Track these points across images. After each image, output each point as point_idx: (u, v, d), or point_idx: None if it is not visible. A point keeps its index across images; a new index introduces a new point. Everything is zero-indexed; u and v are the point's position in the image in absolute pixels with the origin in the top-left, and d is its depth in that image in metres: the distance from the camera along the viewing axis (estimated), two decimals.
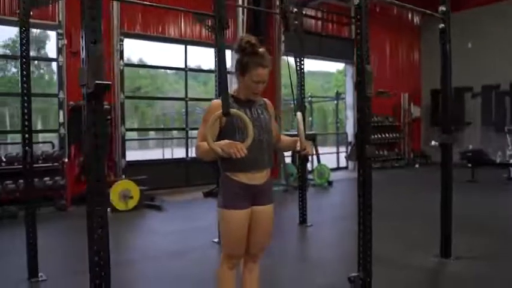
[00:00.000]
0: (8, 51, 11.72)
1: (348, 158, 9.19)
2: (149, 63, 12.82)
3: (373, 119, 11.70)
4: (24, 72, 3.50)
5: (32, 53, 10.06)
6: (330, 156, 11.32)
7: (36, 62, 11.64)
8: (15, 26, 7.22)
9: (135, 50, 8.78)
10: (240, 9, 9.25)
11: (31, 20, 6.73)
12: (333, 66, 14.55)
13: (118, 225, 5.66)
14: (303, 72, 5.28)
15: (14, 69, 13.66)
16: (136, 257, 4.29)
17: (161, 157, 13.12)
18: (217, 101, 2.38)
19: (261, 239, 2.52)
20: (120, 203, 6.23)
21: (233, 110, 2.23)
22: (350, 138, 11.77)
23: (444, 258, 3.83)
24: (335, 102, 12.42)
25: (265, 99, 2.61)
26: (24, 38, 3.50)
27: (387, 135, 12.01)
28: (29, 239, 3.51)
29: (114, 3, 7.63)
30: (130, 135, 9.59)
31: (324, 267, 3.84)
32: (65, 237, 5.27)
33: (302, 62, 5.29)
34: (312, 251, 4.56)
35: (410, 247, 4.27)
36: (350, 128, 11.81)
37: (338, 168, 11.57)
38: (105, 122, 1.91)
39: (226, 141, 2.18)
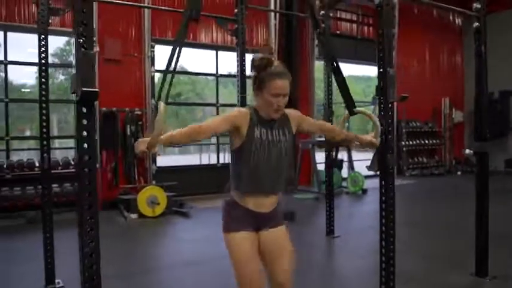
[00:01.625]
0: (56, 60, 12.15)
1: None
2: (189, 69, 12.98)
3: (412, 125, 11.30)
4: (43, 80, 3.51)
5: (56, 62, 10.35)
6: (367, 163, 10.97)
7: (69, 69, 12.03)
8: (61, 35, 7.50)
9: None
10: (272, 14, 9.15)
11: (66, 29, 6.94)
12: (374, 70, 14.21)
13: (142, 231, 5.66)
14: (330, 77, 5.07)
15: (62, 77, 14.18)
16: (156, 264, 4.23)
17: (198, 162, 13.19)
18: (246, 112, 2.23)
19: (281, 263, 2.29)
20: (147, 209, 6.22)
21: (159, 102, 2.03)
22: None
23: (479, 277, 3.52)
24: (372, 107, 12.05)
25: (288, 110, 2.44)
26: (43, 46, 3.52)
27: (426, 141, 11.53)
28: (46, 245, 3.50)
29: (145, 9, 7.71)
30: None
31: (345, 283, 3.63)
32: None
33: (333, 65, 5.07)
34: (334, 264, 4.35)
35: (443, 263, 3.98)
36: None
37: (376, 175, 11.19)
38: (94, 130, 1.81)
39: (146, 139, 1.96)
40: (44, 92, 3.51)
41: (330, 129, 2.61)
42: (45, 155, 3.49)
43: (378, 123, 2.69)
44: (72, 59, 7.34)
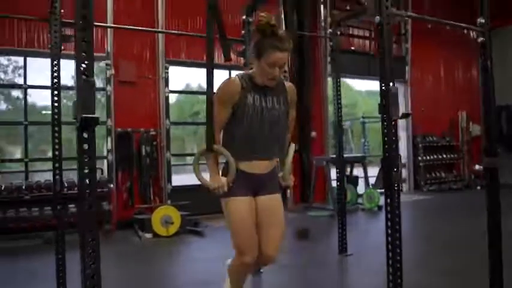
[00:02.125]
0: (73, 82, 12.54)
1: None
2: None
3: (428, 139, 11.18)
4: (56, 104, 3.63)
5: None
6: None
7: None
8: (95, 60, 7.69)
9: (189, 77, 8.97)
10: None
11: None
12: None
13: (156, 250, 5.69)
14: (340, 94, 5.09)
15: None
16: (169, 284, 4.26)
17: None
18: (235, 82, 2.27)
19: (271, 233, 2.36)
20: (161, 228, 6.27)
21: (216, 147, 2.21)
22: (404, 159, 11.27)
23: None
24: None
25: (289, 83, 2.50)
26: (56, 71, 3.64)
27: (444, 155, 11.37)
28: (59, 266, 3.57)
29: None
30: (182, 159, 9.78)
31: None
32: (104, 262, 5.33)
33: (338, 83, 5.11)
34: (344, 282, 4.30)
35: (458, 279, 3.89)
36: (403, 150, 11.31)
37: None
38: (95, 154, 1.88)
39: (214, 179, 2.25)
40: (56, 116, 3.62)
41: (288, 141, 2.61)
42: (57, 177, 3.59)
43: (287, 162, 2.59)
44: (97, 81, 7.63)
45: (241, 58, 4.59)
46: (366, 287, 3.93)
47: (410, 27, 10.95)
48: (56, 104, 3.62)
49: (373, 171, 10.18)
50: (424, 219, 7.66)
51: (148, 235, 6.29)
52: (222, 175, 2.33)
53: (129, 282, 4.19)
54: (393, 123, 2.86)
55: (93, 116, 1.83)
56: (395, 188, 2.90)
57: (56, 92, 3.62)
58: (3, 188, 6.34)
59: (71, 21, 3.84)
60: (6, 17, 6.24)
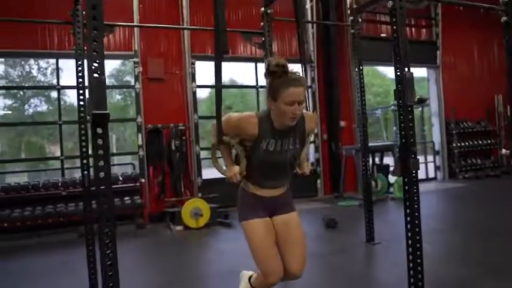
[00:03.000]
0: (113, 81, 12.94)
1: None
2: (240, 82, 13.33)
3: (463, 125, 10.87)
4: (81, 103, 3.77)
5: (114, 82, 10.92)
6: None
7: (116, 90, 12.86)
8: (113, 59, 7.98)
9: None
10: (310, 23, 9.18)
11: (111, 52, 7.36)
12: (417, 71, 13.71)
13: (186, 242, 5.83)
14: (363, 81, 5.03)
15: (118, 96, 15.02)
16: (195, 274, 4.36)
17: None
18: (253, 120, 2.24)
19: (293, 250, 2.36)
20: (191, 220, 6.41)
21: (225, 138, 2.25)
22: (437, 147, 11.00)
23: None
24: (419, 109, 11.69)
25: (306, 112, 2.40)
26: (80, 72, 3.77)
27: (480, 141, 11.01)
28: (89, 257, 3.72)
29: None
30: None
31: None
32: (139, 254, 5.50)
33: (361, 71, 5.04)
34: (369, 271, 4.28)
35: (489, 270, 3.77)
36: (437, 137, 11.03)
37: (426, 179, 10.84)
38: (109, 149, 1.96)
39: (229, 168, 2.33)
40: (82, 114, 3.77)
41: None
42: (85, 172, 3.74)
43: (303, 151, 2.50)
44: (128, 78, 7.86)
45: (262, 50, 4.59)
46: (390, 275, 3.90)
47: (441, 10, 10.62)
48: (81, 103, 3.76)
49: None
50: (459, 208, 7.47)
51: (179, 227, 6.45)
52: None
53: (159, 273, 4.32)
54: (409, 108, 2.83)
55: (104, 112, 1.90)
56: (414, 175, 2.86)
57: (81, 91, 3.76)
58: (40, 185, 6.64)
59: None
60: (30, 21, 6.50)
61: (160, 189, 7.60)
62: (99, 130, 1.98)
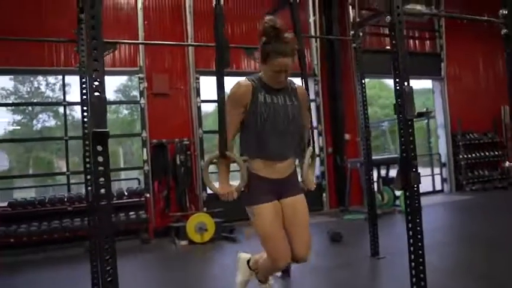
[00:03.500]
0: (120, 96, 13.09)
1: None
2: None
3: (469, 136, 10.81)
4: (85, 119, 3.82)
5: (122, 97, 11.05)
6: (422, 179, 10.44)
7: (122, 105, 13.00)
8: (118, 75, 8.09)
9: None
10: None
11: (117, 68, 7.46)
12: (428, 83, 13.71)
13: (190, 257, 5.82)
14: (365, 94, 5.04)
15: (125, 111, 15.18)
16: None
17: None
18: (247, 83, 2.33)
19: (301, 233, 2.40)
20: (196, 235, 6.41)
21: (228, 153, 2.25)
22: (444, 158, 10.94)
23: None
24: (425, 121, 11.67)
25: (298, 85, 2.53)
26: (84, 88, 3.83)
27: (487, 153, 10.94)
28: (93, 273, 3.73)
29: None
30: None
31: None
32: (144, 269, 5.50)
33: (363, 85, 5.07)
34: (375, 286, 4.24)
35: (495, 285, 3.75)
36: (443, 149, 10.98)
37: (433, 192, 10.77)
38: (109, 166, 1.98)
39: (223, 185, 2.33)
40: (86, 130, 3.81)
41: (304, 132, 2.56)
42: (89, 188, 3.77)
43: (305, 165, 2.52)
44: (135, 93, 7.94)
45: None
46: None
47: (444, 23, 10.66)
48: (85, 119, 3.80)
49: None
50: (466, 220, 7.40)
51: (184, 242, 6.44)
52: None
53: None
54: (409, 122, 2.83)
55: (104, 130, 1.93)
56: (415, 189, 2.86)
57: (85, 108, 3.81)
58: (46, 200, 6.69)
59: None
60: (35, 40, 6.61)
61: (165, 204, 7.62)
62: (99, 148, 2.01)
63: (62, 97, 7.98)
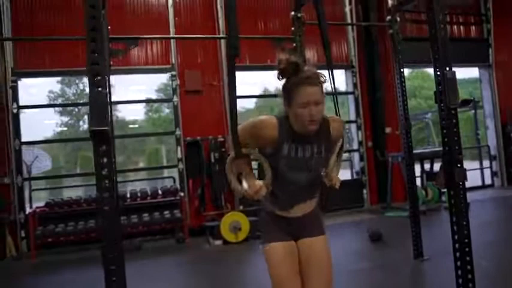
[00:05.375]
0: (161, 95, 13.23)
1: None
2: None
3: None
4: None
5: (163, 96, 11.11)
6: (470, 173, 9.79)
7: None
8: (150, 73, 8.10)
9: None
10: (349, 26, 8.89)
11: (149, 66, 7.43)
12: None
13: (222, 258, 5.67)
14: (404, 86, 4.70)
15: (167, 110, 15.37)
16: None
17: None
18: (272, 123, 1.97)
19: (317, 277, 2.03)
20: (231, 234, 6.25)
21: (245, 150, 1.98)
22: (493, 151, 10.27)
23: None
24: (472, 111, 10.99)
25: (333, 117, 2.13)
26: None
27: None
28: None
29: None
30: None
31: None
32: (173, 269, 5.39)
33: (402, 74, 4.72)
34: None
35: None
36: (492, 140, 10.30)
37: (482, 187, 10.13)
38: (113, 168, 1.82)
39: (251, 184, 1.98)
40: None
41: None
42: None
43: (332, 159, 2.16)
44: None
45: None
46: None
47: (492, 5, 9.97)
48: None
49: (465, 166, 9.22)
50: None
51: (218, 242, 6.30)
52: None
53: None
54: (452, 112, 2.52)
55: (103, 128, 1.76)
56: (461, 187, 2.55)
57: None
58: (82, 200, 6.74)
59: (118, 36, 3.95)
60: (49, 39, 6.67)
61: (200, 203, 7.51)
62: (103, 148, 1.85)
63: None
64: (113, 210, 1.84)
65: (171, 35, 7.50)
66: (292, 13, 4.15)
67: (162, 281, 4.69)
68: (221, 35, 7.84)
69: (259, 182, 2.02)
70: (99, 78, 1.86)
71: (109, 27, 3.72)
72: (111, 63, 3.79)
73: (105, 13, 3.65)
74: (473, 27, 10.19)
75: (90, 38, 1.84)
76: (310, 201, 2.11)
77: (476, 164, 10.46)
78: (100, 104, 1.82)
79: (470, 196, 7.94)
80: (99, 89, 1.84)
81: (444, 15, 2.50)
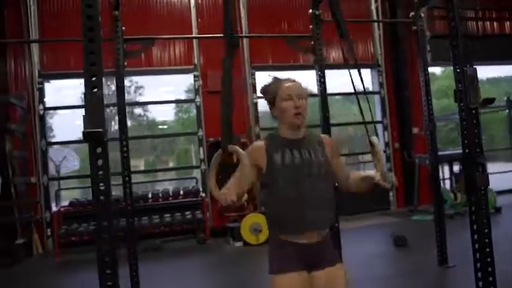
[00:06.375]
0: (190, 95, 13.31)
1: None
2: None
3: None
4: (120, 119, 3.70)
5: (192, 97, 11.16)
6: (501, 176, 9.26)
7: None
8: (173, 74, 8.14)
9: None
10: (375, 24, 8.68)
11: (172, 67, 7.45)
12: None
13: (242, 260, 5.61)
14: (429, 85, 4.51)
15: (195, 111, 15.53)
16: None
17: None
18: (259, 144, 1.95)
19: None
20: (251, 236, 6.18)
21: (231, 146, 1.87)
22: None
23: None
24: (507, 111, 10.54)
25: (323, 135, 2.09)
26: (119, 90, 3.71)
27: None
28: (132, 277, 3.61)
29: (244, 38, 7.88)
30: None
31: None
32: (192, 270, 5.36)
33: (427, 72, 4.53)
34: None
35: None
36: None
37: None
38: (109, 170, 1.77)
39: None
40: (124, 129, 3.70)
41: (348, 177, 2.07)
42: (127, 190, 3.65)
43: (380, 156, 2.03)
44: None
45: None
46: None
47: None
48: (121, 120, 3.69)
49: (495, 168, 8.83)
50: None
51: (238, 243, 6.24)
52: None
53: None
54: (473, 112, 2.37)
55: (97, 130, 1.71)
56: (482, 193, 2.38)
57: (121, 107, 3.70)
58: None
59: (132, 37, 3.94)
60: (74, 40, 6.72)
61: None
62: (99, 149, 1.80)
63: (138, 98, 8.19)
64: (109, 214, 1.80)
65: (190, 35, 7.49)
66: (310, 11, 4.03)
67: (181, 282, 4.67)
68: (243, 34, 7.79)
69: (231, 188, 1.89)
70: (95, 78, 1.80)
71: (123, 28, 3.73)
72: (125, 63, 3.77)
73: (119, 14, 3.67)
74: (508, 23, 9.77)
75: (88, 39, 1.79)
76: (322, 222, 1.90)
77: (509, 166, 10.01)
78: (95, 105, 1.77)
79: (502, 199, 7.65)
80: (95, 90, 1.79)
81: (460, 11, 2.34)
